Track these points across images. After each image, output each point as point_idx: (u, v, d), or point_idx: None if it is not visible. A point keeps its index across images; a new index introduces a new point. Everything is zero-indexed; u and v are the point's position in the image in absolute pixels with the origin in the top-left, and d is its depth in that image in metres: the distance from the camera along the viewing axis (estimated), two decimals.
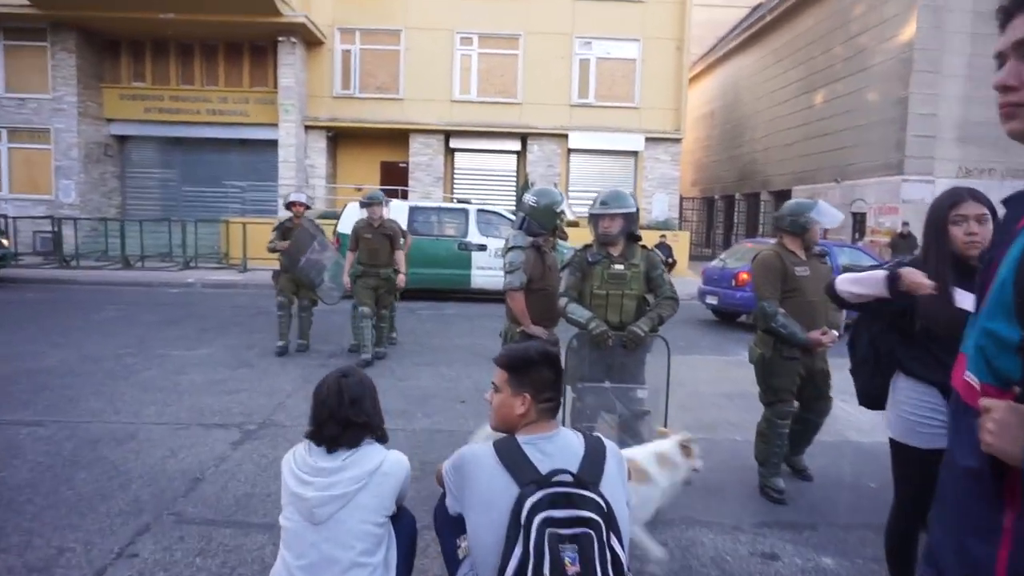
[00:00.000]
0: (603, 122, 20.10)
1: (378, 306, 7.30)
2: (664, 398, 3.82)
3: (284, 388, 5.99)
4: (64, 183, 18.95)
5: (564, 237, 4.38)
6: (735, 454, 4.69)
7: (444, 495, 2.18)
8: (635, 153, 20.35)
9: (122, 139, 20.57)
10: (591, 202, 3.86)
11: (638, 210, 3.78)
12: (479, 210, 13.15)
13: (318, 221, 17.38)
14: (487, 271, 12.70)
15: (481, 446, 1.99)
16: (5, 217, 17.31)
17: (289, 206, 7.60)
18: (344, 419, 2.13)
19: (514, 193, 20.85)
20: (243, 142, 20.29)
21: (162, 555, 3.11)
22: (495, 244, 12.70)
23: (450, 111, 20.08)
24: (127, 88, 19.98)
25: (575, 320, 3.70)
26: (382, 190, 20.89)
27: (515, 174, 21.11)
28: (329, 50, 19.84)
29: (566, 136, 20.08)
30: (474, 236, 12.77)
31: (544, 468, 1.88)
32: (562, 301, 3.79)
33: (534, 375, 2.01)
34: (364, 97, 20.04)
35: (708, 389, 6.48)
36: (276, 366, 6.79)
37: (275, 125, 19.29)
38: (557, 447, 1.95)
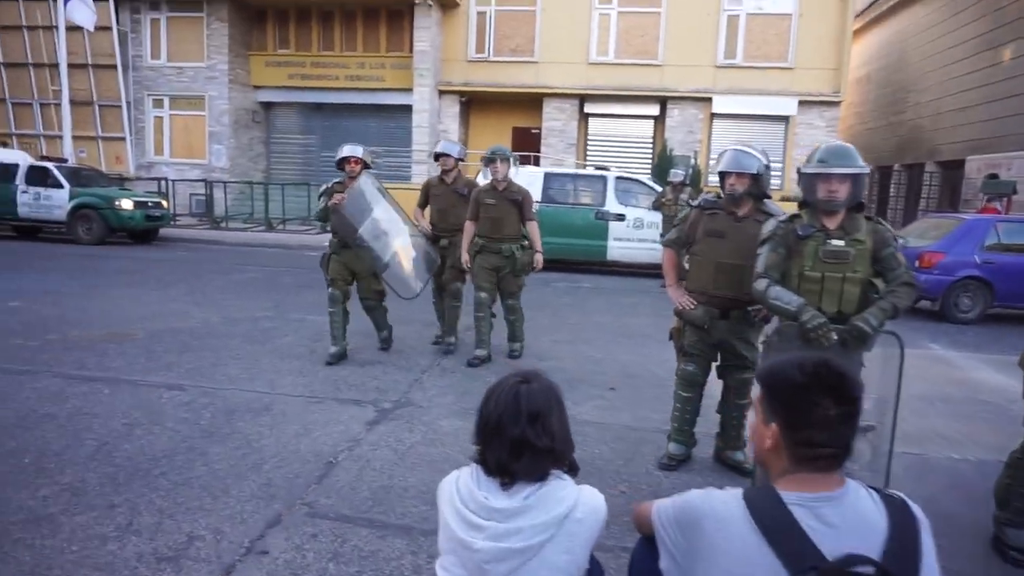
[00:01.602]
0: (751, 84, 18.51)
1: (502, 293, 5.76)
2: (892, 410, 3.03)
3: (419, 363, 5.64)
4: (216, 148, 19.92)
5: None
6: (956, 478, 3.80)
7: (645, 544, 1.60)
8: (786, 118, 18.64)
9: (267, 105, 21.34)
10: (807, 160, 3.08)
11: (866, 172, 2.96)
12: (618, 177, 12.38)
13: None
14: (625, 243, 11.96)
15: (727, 497, 1.38)
16: (165, 180, 18.48)
17: (343, 163, 5.51)
18: (520, 441, 1.57)
19: (650, 161, 19.79)
20: (379, 107, 20.46)
21: (293, 555, 2.76)
22: (634, 214, 11.91)
23: (586, 74, 19.20)
24: (272, 55, 20.61)
25: (780, 307, 2.97)
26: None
27: (652, 141, 19.99)
28: (464, 12, 19.45)
29: (709, 100, 18.69)
30: (612, 205, 12.03)
31: (828, 548, 1.24)
32: (761, 283, 3.07)
33: (794, 403, 1.36)
34: (498, 60, 19.55)
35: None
36: (412, 338, 6.46)
37: (410, 90, 19.24)
38: (845, 515, 1.30)
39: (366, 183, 5.58)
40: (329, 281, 5.59)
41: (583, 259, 12.25)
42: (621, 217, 11.94)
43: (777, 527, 1.28)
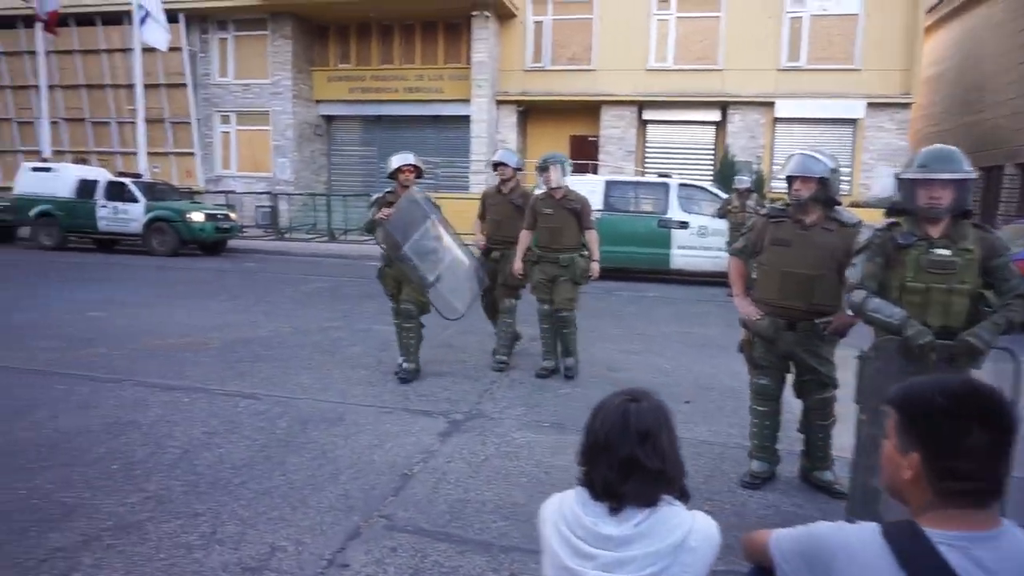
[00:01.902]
0: (816, 87, 17.97)
1: (553, 303, 5.45)
2: None
3: (487, 374, 5.61)
4: (280, 161, 20.47)
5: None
6: None
7: (758, 574, 1.49)
8: (853, 121, 18.03)
9: (329, 119, 21.83)
10: (906, 164, 2.91)
11: (971, 178, 2.78)
12: (681, 185, 12.16)
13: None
14: (689, 251, 11.72)
15: (863, 532, 1.27)
16: (232, 193, 19.09)
17: (393, 174, 5.34)
18: (629, 461, 1.48)
19: (711, 167, 19.42)
20: (437, 118, 20.68)
21: (374, 569, 2.73)
22: (697, 221, 11.67)
23: (644, 81, 19.00)
24: (333, 70, 21.09)
25: (880, 320, 2.80)
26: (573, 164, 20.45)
27: (713, 147, 19.62)
28: (521, 22, 19.53)
29: (772, 104, 18.23)
30: (675, 213, 11.82)
31: None
32: (858, 294, 2.91)
33: (938, 431, 1.23)
34: (555, 69, 19.55)
35: None
36: (476, 347, 6.44)
37: (468, 101, 19.40)
38: (1003, 558, 1.17)
39: (414, 197, 5.29)
40: (389, 296, 5.52)
41: (646, 268, 12.06)
42: (684, 225, 11.72)
43: (925, 570, 1.16)
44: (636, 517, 1.47)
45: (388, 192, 5.42)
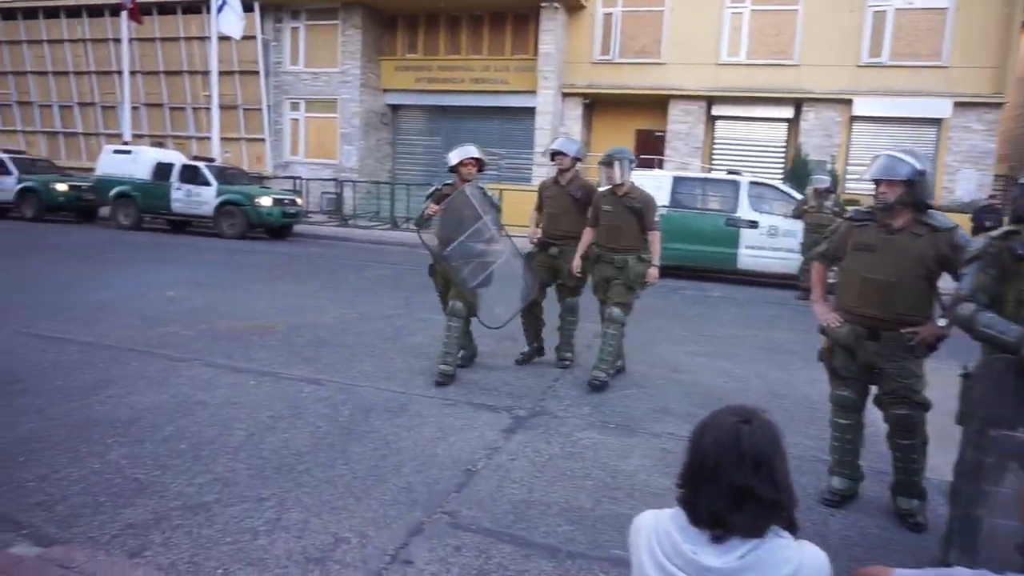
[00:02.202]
0: (898, 85, 17.14)
1: (604, 304, 5.12)
2: None
3: (552, 370, 5.50)
4: (347, 149, 20.78)
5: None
6: None
7: None
8: (938, 121, 17.14)
9: (395, 108, 22.03)
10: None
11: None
12: (751, 183, 11.76)
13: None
14: (757, 251, 11.34)
15: None
16: (299, 179, 19.48)
17: (455, 167, 5.08)
18: (742, 490, 1.34)
19: (781, 166, 18.80)
20: (502, 109, 20.61)
21: (438, 568, 2.67)
22: (768, 221, 11.28)
23: (715, 75, 18.49)
24: (401, 60, 21.25)
25: (993, 337, 2.57)
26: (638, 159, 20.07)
27: (784, 145, 18.99)
28: (590, 14, 19.25)
29: (849, 102, 17.48)
30: (744, 211, 11.44)
31: None
32: (967, 307, 2.67)
33: None
34: (623, 62, 19.21)
35: None
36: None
37: (533, 92, 19.26)
38: None
39: (467, 194, 4.95)
40: (439, 294, 5.32)
41: (711, 267, 11.73)
42: (754, 224, 11.33)
43: None
44: (741, 548, 1.34)
45: (446, 184, 5.13)
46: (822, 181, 9.70)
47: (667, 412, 4.64)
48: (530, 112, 19.59)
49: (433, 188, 5.20)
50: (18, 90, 23.73)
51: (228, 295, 7.90)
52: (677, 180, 12.02)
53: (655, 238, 5.06)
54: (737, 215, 11.46)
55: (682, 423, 4.43)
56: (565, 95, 19.55)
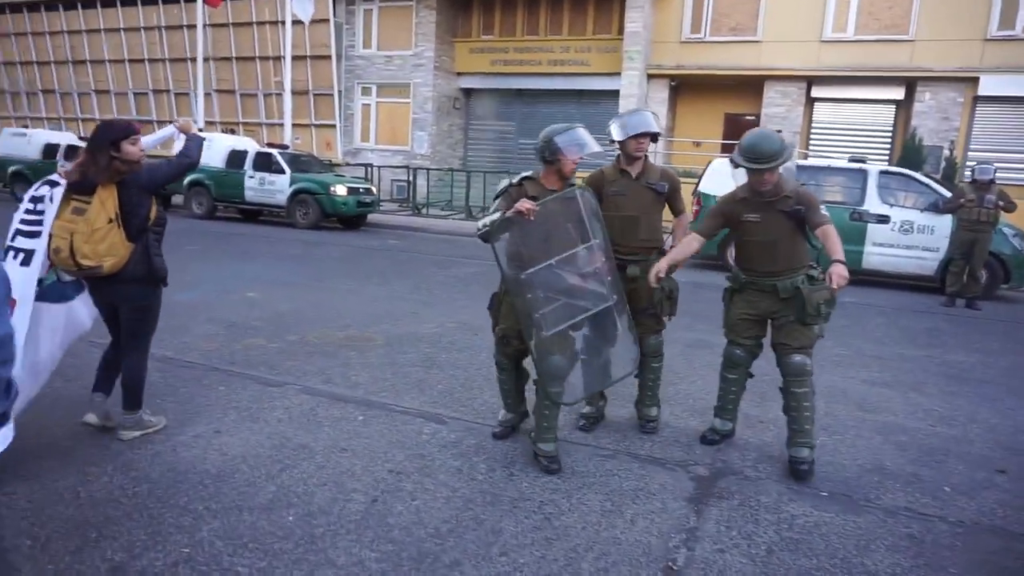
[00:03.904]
0: None
1: (777, 348, 3.60)
2: None
3: (704, 396, 4.40)
4: (419, 135, 20.06)
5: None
6: None
7: None
8: None
9: (467, 92, 21.17)
10: None
11: None
12: (882, 172, 10.42)
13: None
14: (887, 249, 10.03)
15: None
16: (370, 166, 18.84)
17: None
18: None
19: (887, 152, 17.19)
20: (581, 93, 19.54)
21: None
22: (901, 216, 9.95)
23: (817, 53, 16.97)
24: (476, 41, 20.35)
25: None
26: (723, 144, 18.83)
27: (890, 129, 17.36)
28: None
29: (974, 80, 15.74)
30: (872, 204, 10.13)
31: None
32: None
33: None
34: (715, 41, 17.85)
35: None
36: (682, 361, 5.33)
37: (616, 75, 18.11)
38: None
39: (581, 201, 3.42)
40: (499, 336, 3.65)
41: None
42: (884, 219, 10.01)
43: None
44: None
45: (525, 179, 3.48)
46: (985, 171, 8.34)
47: (885, 473, 3.59)
48: (612, 95, 18.46)
49: (505, 184, 3.53)
50: (95, 79, 23.81)
51: (313, 297, 7.15)
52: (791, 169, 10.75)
53: (828, 231, 3.34)
54: (864, 208, 10.15)
55: (913, 491, 3.40)
56: (651, 77, 18.32)
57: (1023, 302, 9.71)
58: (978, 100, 16.00)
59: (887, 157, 17.02)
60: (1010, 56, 15.47)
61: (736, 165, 3.44)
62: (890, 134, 17.45)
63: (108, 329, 3.55)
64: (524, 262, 3.32)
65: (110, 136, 3.18)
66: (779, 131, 3.48)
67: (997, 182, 8.64)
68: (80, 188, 3.18)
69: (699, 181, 11.31)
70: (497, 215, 3.27)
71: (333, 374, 4.69)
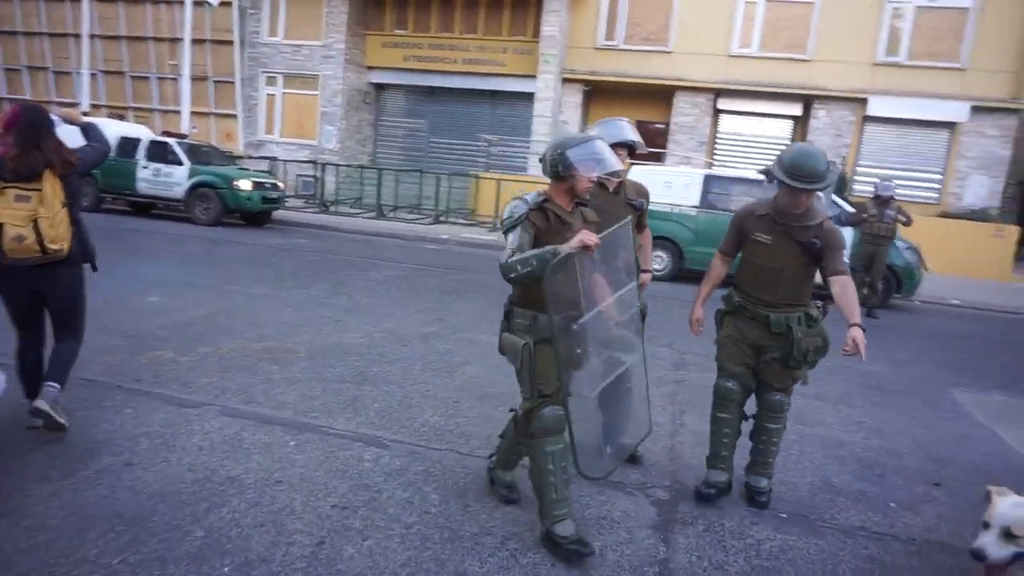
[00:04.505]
0: (914, 86, 16.51)
1: (760, 388, 3.39)
2: None
3: (657, 420, 4.33)
4: (327, 129, 19.30)
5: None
6: None
7: None
8: (951, 125, 16.56)
9: (379, 87, 20.58)
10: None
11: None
12: None
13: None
14: None
15: None
16: (276, 160, 17.94)
17: (565, 170, 2.89)
18: None
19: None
20: (495, 94, 19.39)
21: None
22: None
23: (724, 67, 17.60)
24: (389, 35, 19.80)
25: None
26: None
27: (789, 143, 18.21)
28: None
29: (863, 101, 16.80)
30: None
31: None
32: None
33: None
34: (628, 49, 18.17)
35: None
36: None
37: (531, 77, 18.11)
38: None
39: (629, 231, 3.04)
40: (537, 394, 2.78)
41: None
42: None
43: None
44: None
45: (543, 203, 2.80)
46: (887, 188, 8.81)
47: (834, 491, 3.62)
48: (526, 97, 18.47)
49: (520, 210, 2.75)
50: None
51: (224, 302, 6.60)
52: (709, 179, 11.06)
53: (847, 286, 3.11)
54: None
55: (863, 509, 3.44)
56: (565, 81, 18.43)
57: (914, 311, 10.36)
58: (867, 120, 17.09)
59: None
60: (895, 81, 16.61)
61: (771, 179, 3.17)
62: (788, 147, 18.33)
63: (21, 325, 3.45)
64: (572, 307, 2.71)
65: (48, 122, 3.23)
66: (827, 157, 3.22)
67: (865, 195, 9.14)
68: (21, 176, 3.15)
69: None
70: (531, 252, 2.63)
71: (255, 392, 4.28)
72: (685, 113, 18.04)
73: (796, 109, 17.68)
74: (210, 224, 12.92)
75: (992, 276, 14.56)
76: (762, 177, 11.04)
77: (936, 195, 16.96)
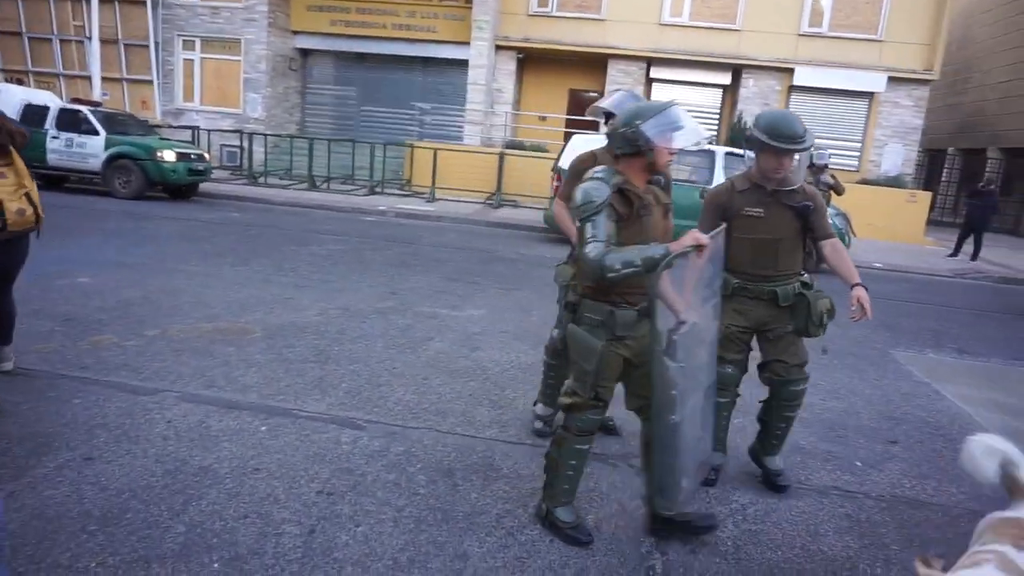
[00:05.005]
0: (836, 56, 17.10)
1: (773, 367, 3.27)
2: None
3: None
4: (252, 96, 18.44)
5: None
6: None
7: None
8: (870, 95, 17.26)
9: (304, 53, 19.76)
10: None
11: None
12: (728, 153, 11.09)
13: (507, 152, 15.83)
14: None
15: None
16: (197, 129, 17.04)
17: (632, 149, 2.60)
18: None
19: (714, 134, 18.46)
20: (427, 60, 18.93)
21: None
22: None
23: (656, 35, 17.73)
24: None
25: None
26: (567, 120, 19.18)
27: (718, 112, 18.63)
28: None
29: (789, 71, 17.26)
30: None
31: None
32: None
33: None
34: (561, 16, 18.02)
35: None
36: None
37: (464, 44, 17.75)
38: None
39: (721, 239, 2.68)
40: (593, 396, 2.59)
41: None
42: None
43: None
44: None
45: (624, 182, 2.46)
46: (821, 156, 9.11)
47: (804, 453, 3.75)
48: (460, 65, 18.13)
49: (601, 193, 2.40)
50: None
51: (162, 281, 6.23)
52: None
53: (839, 247, 3.22)
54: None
55: (833, 469, 3.58)
56: (499, 48, 18.16)
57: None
58: (793, 89, 17.59)
59: (714, 138, 18.27)
60: (818, 51, 17.14)
61: (755, 147, 3.04)
62: (718, 116, 18.72)
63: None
64: (678, 319, 2.54)
65: None
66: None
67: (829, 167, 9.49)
68: None
69: (559, 157, 11.36)
70: (636, 251, 2.33)
71: (215, 375, 4.06)
72: (618, 81, 18.08)
73: (726, 78, 18.02)
74: (132, 198, 12.18)
75: (906, 239, 15.39)
76: (707, 147, 11.23)
77: (856, 163, 17.70)
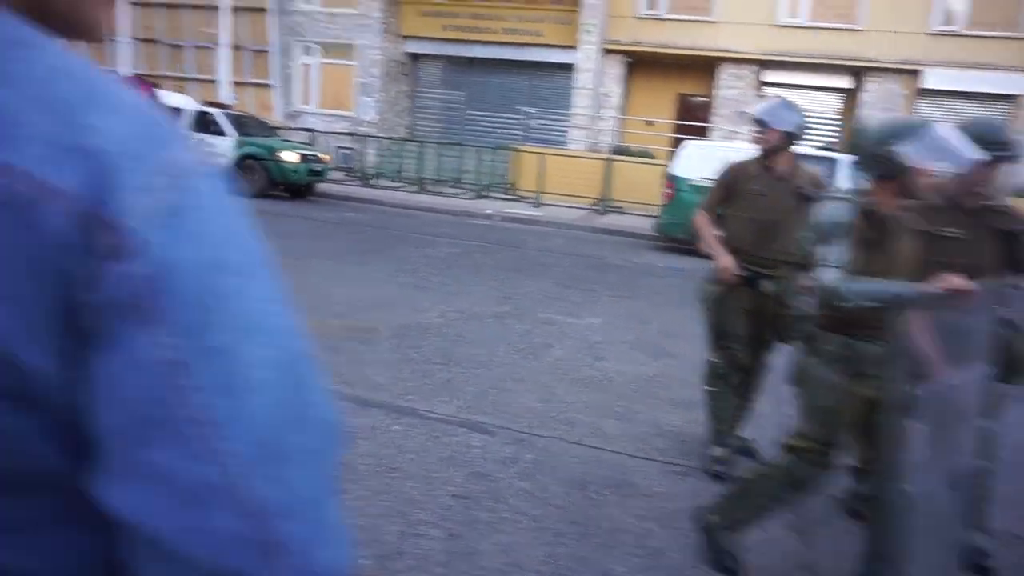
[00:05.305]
0: (972, 56, 15.92)
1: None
2: None
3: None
4: (364, 100, 19.10)
5: None
6: None
7: None
8: (1012, 98, 15.96)
9: (414, 57, 20.28)
10: None
11: None
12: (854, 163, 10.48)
13: (614, 158, 15.61)
14: None
15: None
16: (314, 131, 17.82)
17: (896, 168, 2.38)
18: None
19: (834, 140, 17.59)
20: (534, 64, 19.01)
21: None
22: None
23: (770, 37, 17.08)
24: (427, 4, 19.44)
25: None
26: (678, 126, 18.76)
27: (839, 117, 17.75)
28: None
29: (917, 73, 16.24)
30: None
31: None
32: None
33: None
34: (671, 18, 17.68)
35: None
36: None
37: (572, 48, 17.71)
38: None
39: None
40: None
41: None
42: None
43: None
44: None
45: (873, 204, 2.25)
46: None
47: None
48: (566, 69, 18.09)
49: (850, 218, 2.24)
50: None
51: (296, 279, 6.42)
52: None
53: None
54: None
55: None
56: (606, 52, 18.01)
57: None
58: (920, 92, 16.52)
59: (834, 146, 17.41)
60: (952, 51, 16.01)
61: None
62: (839, 122, 17.83)
63: None
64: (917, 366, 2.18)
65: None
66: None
67: None
68: None
69: (671, 164, 11.13)
70: (882, 287, 2.13)
71: (345, 372, 4.20)
72: (729, 86, 17.57)
73: (847, 82, 17.16)
74: (255, 197, 12.86)
75: None
76: (827, 154, 10.69)
77: None
